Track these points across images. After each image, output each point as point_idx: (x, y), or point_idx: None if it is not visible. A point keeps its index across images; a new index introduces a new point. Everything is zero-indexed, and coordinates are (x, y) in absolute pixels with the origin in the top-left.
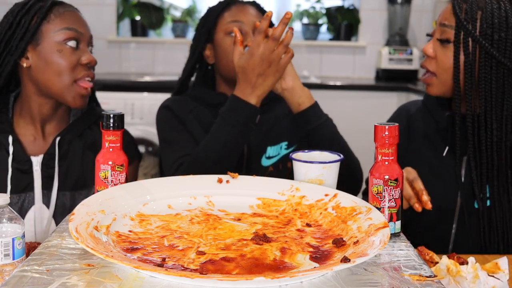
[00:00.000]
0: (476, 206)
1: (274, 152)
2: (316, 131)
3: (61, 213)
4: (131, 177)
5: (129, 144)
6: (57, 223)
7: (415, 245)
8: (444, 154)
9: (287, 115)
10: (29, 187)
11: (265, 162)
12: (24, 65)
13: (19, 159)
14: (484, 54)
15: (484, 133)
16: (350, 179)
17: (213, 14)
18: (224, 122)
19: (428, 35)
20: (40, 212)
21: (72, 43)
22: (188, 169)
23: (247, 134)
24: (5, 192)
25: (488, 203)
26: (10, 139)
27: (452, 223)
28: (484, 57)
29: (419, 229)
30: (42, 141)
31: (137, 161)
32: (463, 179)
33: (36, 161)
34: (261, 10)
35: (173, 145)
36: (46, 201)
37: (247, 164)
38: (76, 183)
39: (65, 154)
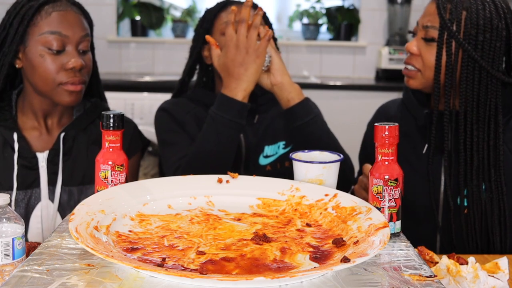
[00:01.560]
0: (459, 203)
1: (271, 151)
2: (303, 127)
3: (69, 209)
4: (136, 165)
5: (134, 132)
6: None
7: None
8: (424, 151)
9: (281, 117)
10: (35, 184)
11: (263, 161)
12: (17, 66)
13: (24, 155)
14: (467, 57)
15: (463, 132)
16: (340, 177)
17: (210, 14)
18: (213, 122)
19: (410, 32)
20: (47, 209)
21: (55, 47)
22: (186, 171)
23: (238, 131)
24: (12, 189)
25: (465, 202)
26: (15, 136)
27: (436, 222)
28: (467, 59)
29: (406, 226)
30: (47, 136)
31: (141, 150)
32: (443, 176)
33: (42, 157)
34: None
35: (171, 147)
36: (53, 197)
37: (245, 163)
38: (83, 178)
39: (70, 149)
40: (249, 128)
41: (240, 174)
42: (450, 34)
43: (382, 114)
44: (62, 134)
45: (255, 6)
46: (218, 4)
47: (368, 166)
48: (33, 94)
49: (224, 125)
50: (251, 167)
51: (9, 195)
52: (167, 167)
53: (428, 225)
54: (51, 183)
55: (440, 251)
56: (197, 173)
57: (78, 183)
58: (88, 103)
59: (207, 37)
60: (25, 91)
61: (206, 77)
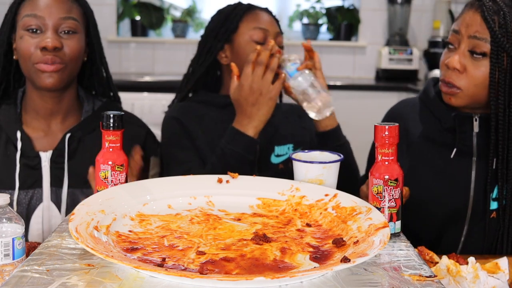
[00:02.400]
0: (490, 207)
1: (282, 151)
2: (335, 149)
3: (69, 211)
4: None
5: (149, 137)
6: None
7: (425, 245)
8: (452, 156)
9: (289, 121)
10: (37, 184)
11: (275, 159)
12: (14, 57)
13: (27, 154)
14: None
15: (495, 135)
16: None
17: (235, 16)
18: (223, 155)
19: (447, 43)
20: (48, 210)
21: (32, 27)
22: None
23: (246, 165)
24: (13, 188)
25: (496, 205)
26: (19, 134)
27: (463, 225)
28: None
29: (429, 230)
30: (51, 136)
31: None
32: (473, 180)
33: (45, 157)
34: (274, 17)
35: (179, 165)
36: (55, 198)
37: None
38: (86, 181)
39: (74, 152)
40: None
41: (253, 173)
42: (503, 49)
43: (395, 116)
44: (68, 135)
45: (274, 16)
46: (241, 6)
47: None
48: (33, 90)
49: (233, 159)
50: (263, 166)
51: (9, 195)
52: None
53: (452, 228)
54: (54, 184)
55: (460, 253)
56: None
57: (82, 186)
58: (98, 103)
59: (232, 65)
60: (27, 87)
61: (213, 77)
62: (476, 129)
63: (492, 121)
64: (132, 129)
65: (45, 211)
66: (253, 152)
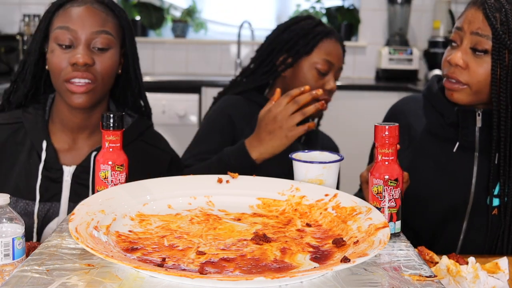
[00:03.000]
0: (492, 204)
1: None
2: None
3: None
4: None
5: (173, 162)
6: None
7: (424, 242)
8: (455, 150)
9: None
10: (56, 197)
11: None
12: (46, 67)
13: (50, 166)
14: None
15: (497, 130)
16: None
17: (313, 38)
18: (222, 161)
19: (449, 40)
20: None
21: (63, 42)
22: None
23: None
24: (34, 199)
25: (498, 202)
26: (44, 144)
27: (462, 221)
28: None
29: (428, 226)
30: (75, 151)
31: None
32: (475, 175)
33: (68, 172)
34: (343, 51)
35: (200, 140)
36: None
37: None
38: None
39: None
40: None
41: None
42: (503, 45)
43: (397, 111)
44: (94, 153)
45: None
46: (322, 28)
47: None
48: (62, 103)
49: (228, 169)
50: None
51: (9, 195)
52: (186, 151)
53: (452, 223)
54: (72, 199)
55: (460, 251)
56: None
57: None
58: (129, 119)
59: (277, 91)
60: (56, 98)
61: (266, 80)
62: (479, 124)
63: (494, 118)
64: (157, 153)
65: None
66: (241, 169)
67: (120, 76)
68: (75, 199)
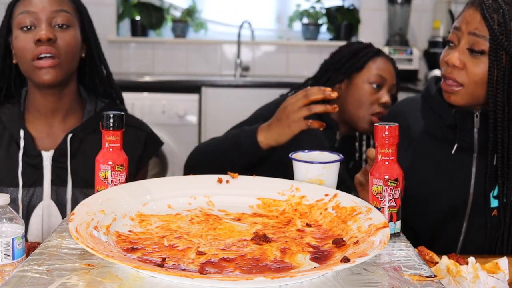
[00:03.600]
0: (491, 205)
1: None
2: None
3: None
4: (148, 169)
5: (151, 137)
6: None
7: (425, 242)
8: (453, 152)
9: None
10: (39, 182)
11: None
12: (14, 61)
13: (29, 153)
14: None
15: (493, 131)
16: None
17: (364, 55)
18: (235, 137)
19: (447, 41)
20: (48, 208)
21: (25, 24)
22: (202, 148)
23: (237, 157)
24: (17, 185)
25: (497, 203)
26: (22, 133)
27: (462, 221)
28: None
29: (428, 226)
30: (52, 136)
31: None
32: (473, 176)
33: (47, 156)
34: (395, 69)
35: (244, 122)
36: (55, 197)
37: None
38: (87, 181)
39: (76, 152)
40: (347, 174)
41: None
42: (501, 46)
43: (397, 113)
44: (70, 136)
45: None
46: (372, 48)
47: (372, 150)
48: (34, 89)
49: (237, 144)
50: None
51: (9, 195)
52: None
53: (452, 224)
54: (54, 183)
55: (460, 252)
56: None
57: (83, 186)
58: (101, 104)
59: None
60: (29, 87)
61: None
62: (477, 125)
63: (490, 119)
64: (133, 132)
65: (45, 210)
66: (249, 153)
67: (85, 62)
68: (57, 182)
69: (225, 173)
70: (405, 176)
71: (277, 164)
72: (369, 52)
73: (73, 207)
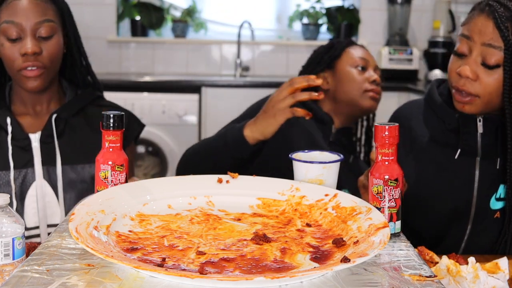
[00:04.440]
0: (492, 207)
1: None
2: None
3: (69, 189)
4: (134, 151)
5: (130, 119)
6: (65, 198)
7: (428, 245)
8: (456, 156)
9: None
10: (30, 164)
11: None
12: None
13: (17, 137)
14: None
15: (496, 135)
16: None
17: (339, 45)
18: (223, 135)
19: (457, 54)
20: (41, 188)
21: (11, 36)
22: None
23: (226, 155)
24: (8, 168)
25: (500, 205)
26: (9, 120)
27: (466, 224)
28: None
29: (432, 229)
30: (38, 120)
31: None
32: (477, 180)
33: (34, 138)
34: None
35: (235, 120)
36: (47, 176)
37: None
38: (75, 158)
39: (62, 132)
40: (347, 169)
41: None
42: None
43: (401, 116)
44: (54, 116)
45: None
46: (346, 41)
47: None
48: (18, 87)
49: (225, 141)
50: None
51: (9, 195)
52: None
53: (456, 227)
54: (45, 163)
55: (463, 253)
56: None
57: (72, 163)
58: (80, 90)
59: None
60: (13, 84)
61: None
62: (480, 130)
63: (507, 130)
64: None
65: (39, 189)
66: (235, 147)
67: (66, 55)
68: (47, 162)
69: (221, 173)
70: (409, 179)
71: (275, 166)
72: (343, 42)
73: (64, 184)
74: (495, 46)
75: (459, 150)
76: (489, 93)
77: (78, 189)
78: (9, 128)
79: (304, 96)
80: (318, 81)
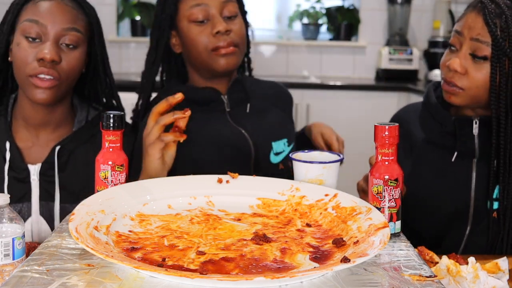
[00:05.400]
0: (492, 207)
1: (278, 148)
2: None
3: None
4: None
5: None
6: None
7: (428, 245)
8: (453, 159)
9: (277, 110)
10: (26, 197)
11: (274, 159)
12: (9, 59)
13: (16, 167)
14: None
15: (496, 137)
16: None
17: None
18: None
19: (449, 45)
20: (37, 224)
21: (30, 35)
22: None
23: None
24: None
25: (497, 205)
26: (8, 145)
27: (466, 225)
28: None
29: (432, 231)
30: (40, 148)
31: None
32: (474, 181)
33: (34, 170)
34: None
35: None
36: (43, 212)
37: (255, 162)
38: (77, 194)
39: (64, 164)
40: (246, 120)
41: (250, 174)
42: (503, 52)
43: (399, 120)
44: (58, 148)
45: None
46: None
47: (373, 158)
48: (24, 99)
49: None
50: (262, 166)
51: (9, 195)
52: None
53: (456, 228)
54: (43, 198)
55: (462, 253)
56: None
57: (73, 201)
58: (93, 112)
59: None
60: (19, 94)
61: (176, 66)
62: (476, 131)
63: (493, 125)
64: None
65: (34, 225)
66: None
67: (87, 75)
68: (45, 197)
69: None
70: (408, 181)
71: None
72: None
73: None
74: (483, 41)
75: (455, 153)
76: (476, 87)
77: None
78: (8, 155)
79: (168, 119)
80: (179, 96)
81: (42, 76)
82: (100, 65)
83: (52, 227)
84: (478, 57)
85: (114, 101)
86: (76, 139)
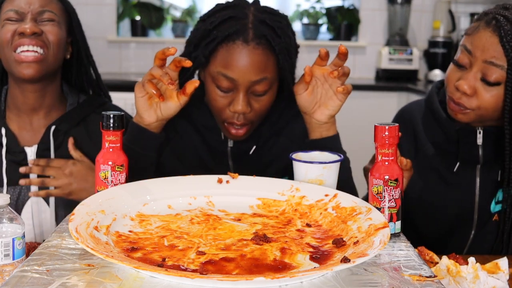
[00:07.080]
0: (492, 211)
1: None
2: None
3: (61, 205)
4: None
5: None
6: (57, 215)
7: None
8: (457, 166)
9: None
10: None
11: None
12: None
13: (13, 150)
14: None
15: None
16: None
17: (206, 50)
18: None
19: (457, 64)
20: (37, 205)
21: (12, 18)
22: None
23: (136, 152)
24: (2, 185)
25: (499, 207)
26: (3, 131)
27: (470, 229)
28: None
29: (436, 235)
30: (34, 131)
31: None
32: (478, 186)
33: (31, 152)
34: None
35: None
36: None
37: None
38: None
39: (60, 144)
40: (246, 162)
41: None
42: None
43: (406, 118)
44: (53, 128)
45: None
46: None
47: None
48: (14, 86)
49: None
50: None
51: (9, 195)
52: None
53: (460, 232)
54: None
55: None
56: None
57: None
58: (83, 96)
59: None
60: (9, 84)
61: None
62: (479, 141)
63: (506, 149)
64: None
65: (34, 206)
66: (139, 142)
67: (73, 63)
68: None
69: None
70: (412, 185)
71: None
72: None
73: (60, 202)
74: (497, 65)
75: (458, 163)
76: (485, 108)
77: (73, 206)
78: (4, 140)
79: (156, 72)
80: (172, 49)
81: (25, 48)
82: (83, 52)
83: (51, 207)
84: (490, 81)
85: (101, 92)
86: (68, 119)
